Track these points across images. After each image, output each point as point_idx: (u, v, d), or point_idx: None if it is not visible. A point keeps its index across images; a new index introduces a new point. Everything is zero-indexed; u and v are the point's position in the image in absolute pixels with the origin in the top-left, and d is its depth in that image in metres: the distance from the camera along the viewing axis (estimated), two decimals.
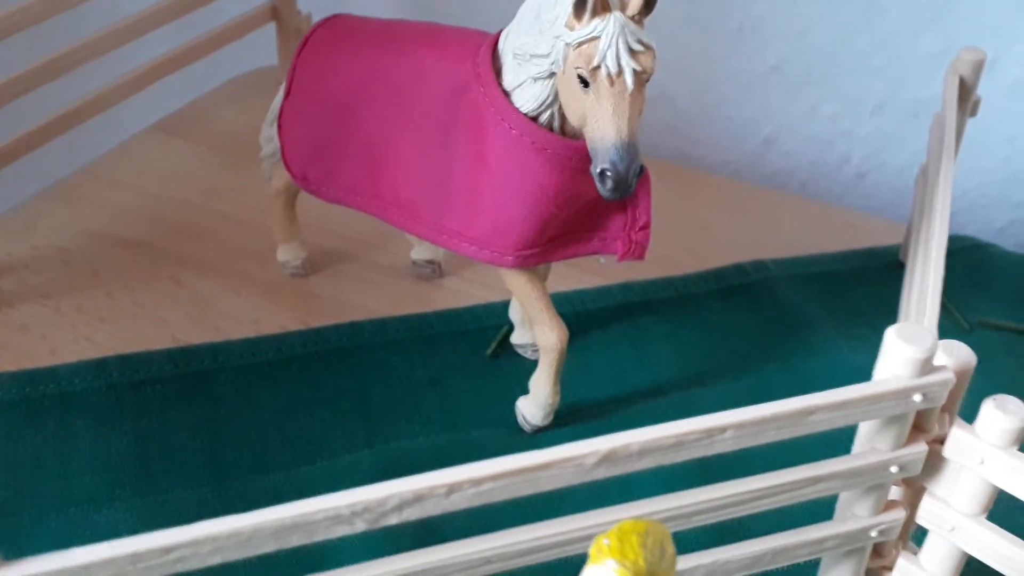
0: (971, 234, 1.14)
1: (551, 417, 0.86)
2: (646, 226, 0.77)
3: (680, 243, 1.11)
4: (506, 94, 0.73)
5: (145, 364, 0.88)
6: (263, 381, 0.89)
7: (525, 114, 0.72)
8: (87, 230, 1.05)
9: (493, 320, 0.98)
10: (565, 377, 0.84)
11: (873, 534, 0.64)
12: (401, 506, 0.52)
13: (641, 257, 0.78)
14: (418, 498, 0.52)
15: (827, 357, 0.96)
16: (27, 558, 0.48)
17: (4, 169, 0.99)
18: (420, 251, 1.02)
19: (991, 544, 0.61)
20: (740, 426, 0.55)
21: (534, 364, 0.85)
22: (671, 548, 0.43)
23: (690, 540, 0.63)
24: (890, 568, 0.68)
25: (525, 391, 0.86)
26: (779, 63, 1.24)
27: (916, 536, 0.69)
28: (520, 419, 0.86)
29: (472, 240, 0.78)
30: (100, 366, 0.87)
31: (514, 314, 0.95)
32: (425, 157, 0.79)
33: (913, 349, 0.56)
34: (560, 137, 0.72)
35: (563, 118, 0.72)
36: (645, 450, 0.54)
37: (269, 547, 0.51)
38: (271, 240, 1.01)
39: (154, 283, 0.99)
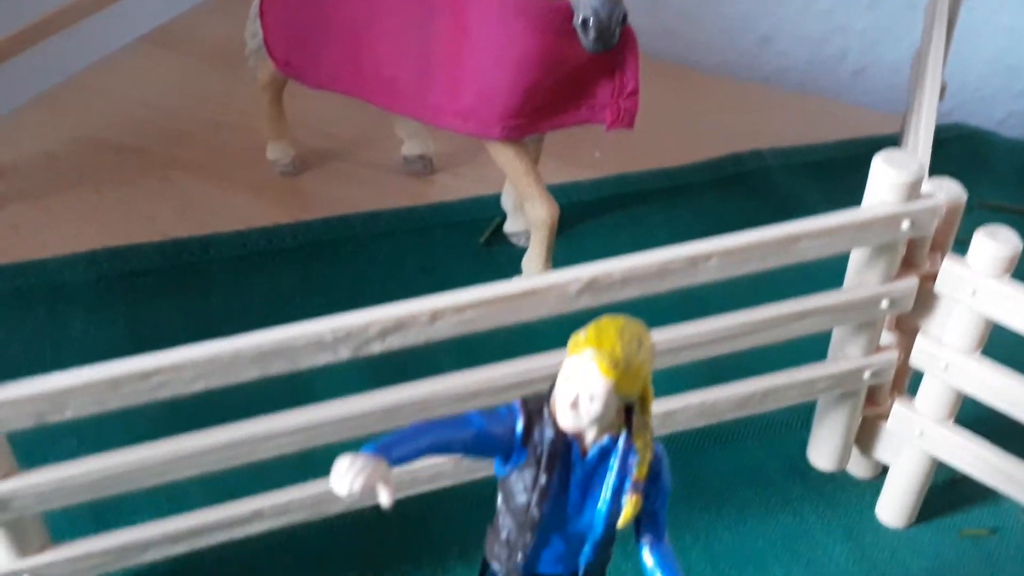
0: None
1: None
2: (634, 92, 0.76)
3: (677, 138, 1.10)
4: None
5: (135, 256, 0.88)
6: (254, 272, 0.89)
7: None
8: (74, 136, 1.04)
9: (486, 212, 0.97)
10: (560, 261, 0.84)
11: (865, 376, 0.63)
12: (384, 333, 0.51)
13: (630, 125, 0.77)
14: (400, 325, 0.51)
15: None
16: (9, 382, 0.48)
17: None
18: (410, 146, 1.01)
19: (985, 379, 0.61)
20: (725, 253, 0.54)
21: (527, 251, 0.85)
22: (649, 341, 0.43)
23: (684, 377, 0.63)
24: (885, 416, 0.67)
25: (519, 275, 0.85)
26: None
27: (913, 387, 0.68)
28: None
29: (457, 113, 0.77)
30: (90, 258, 0.87)
31: (506, 202, 0.94)
32: (406, 32, 0.78)
33: (899, 173, 0.56)
34: None
35: None
36: (628, 278, 0.54)
37: (251, 373, 0.50)
38: (260, 143, 1.01)
39: (143, 183, 0.98)
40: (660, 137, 1.10)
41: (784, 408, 0.76)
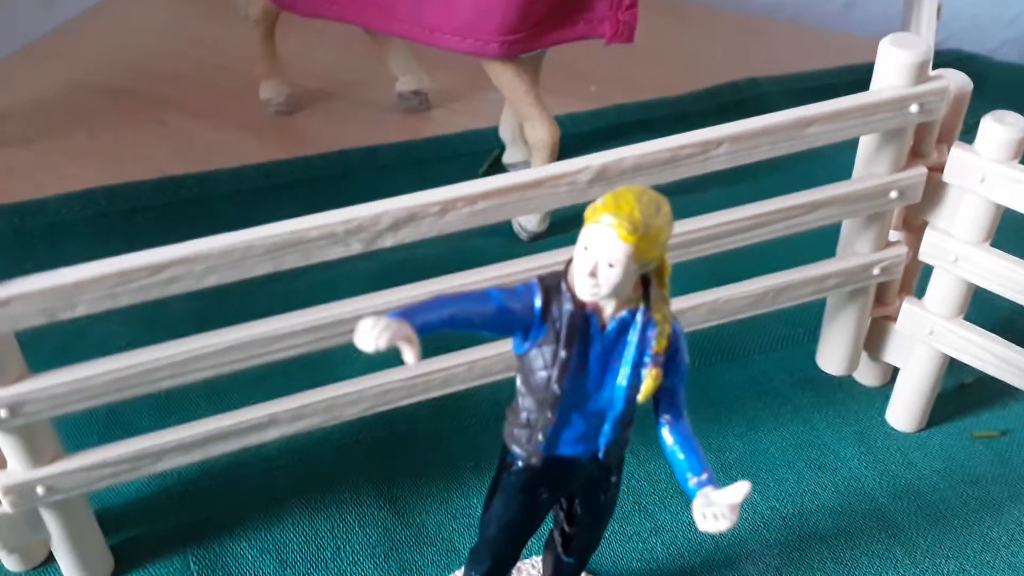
0: None
1: (547, 223, 0.85)
2: (633, 5, 0.76)
3: (672, 70, 1.09)
4: None
5: (133, 193, 0.87)
6: (253, 208, 0.88)
7: None
8: (67, 81, 1.03)
9: (484, 145, 0.96)
10: None
11: (875, 272, 0.63)
12: (396, 225, 0.51)
13: (630, 39, 0.77)
14: (412, 216, 0.51)
15: (823, 160, 0.94)
16: (18, 279, 0.47)
17: None
18: (405, 83, 1.01)
19: (994, 269, 0.60)
20: (735, 139, 0.54)
21: None
22: (667, 207, 0.42)
23: (696, 283, 0.63)
24: (894, 317, 0.67)
25: None
26: None
27: (920, 292, 0.68)
28: (516, 227, 0.85)
29: (454, 31, 0.76)
30: (88, 196, 0.86)
31: (504, 133, 0.93)
32: None
33: (907, 54, 0.55)
34: None
35: None
36: (639, 166, 0.53)
37: (264, 268, 0.50)
38: (254, 83, 1.00)
39: (137, 124, 0.98)
40: (655, 70, 1.10)
41: (790, 321, 0.76)
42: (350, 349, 0.54)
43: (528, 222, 0.84)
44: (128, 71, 1.05)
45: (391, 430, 0.68)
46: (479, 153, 0.96)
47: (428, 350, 0.57)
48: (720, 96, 1.03)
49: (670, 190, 0.89)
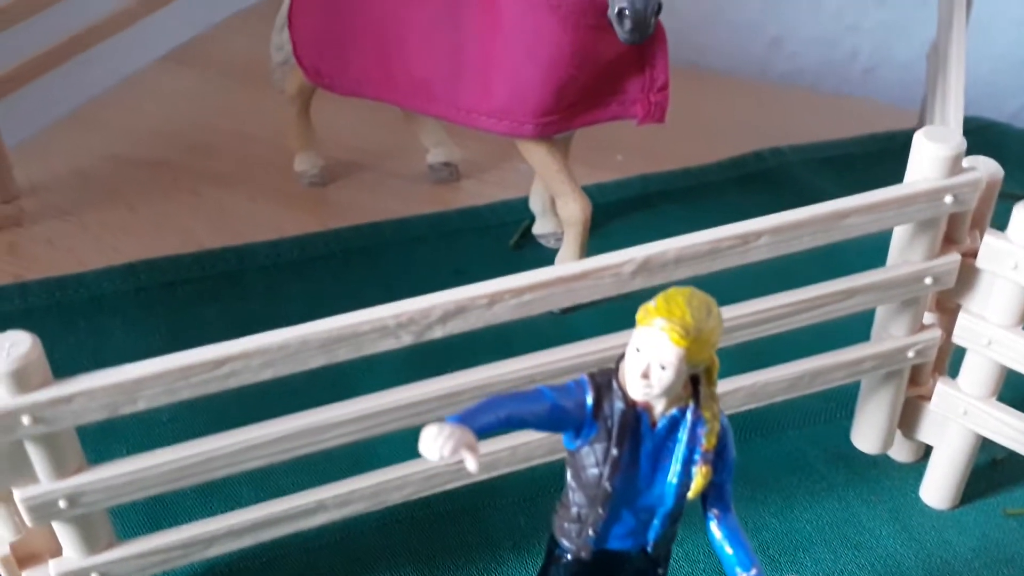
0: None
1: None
2: (664, 87, 0.77)
3: (696, 139, 1.11)
4: None
5: (173, 267, 0.89)
6: (289, 279, 0.90)
7: None
8: (104, 153, 1.06)
9: (514, 216, 0.98)
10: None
11: (910, 355, 0.64)
12: (445, 317, 0.52)
13: (661, 119, 0.78)
14: (461, 309, 0.52)
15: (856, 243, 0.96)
16: (81, 375, 0.49)
17: (20, 99, 0.99)
18: (436, 154, 1.03)
19: None
20: (775, 231, 0.55)
21: (557, 252, 0.85)
22: (717, 310, 0.44)
23: (731, 365, 0.63)
24: (928, 397, 0.68)
25: None
26: None
27: (953, 371, 0.69)
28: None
29: (490, 113, 0.78)
30: (128, 270, 0.88)
31: (535, 204, 0.95)
32: (436, 33, 0.79)
33: (940, 147, 0.57)
34: None
35: None
36: (681, 258, 0.54)
37: (318, 361, 0.51)
38: (288, 155, 1.02)
39: (175, 196, 1.00)
40: (679, 139, 1.11)
41: (825, 397, 0.77)
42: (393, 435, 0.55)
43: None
44: (164, 142, 1.08)
45: (430, 510, 0.69)
46: (509, 224, 0.97)
47: None
48: (744, 166, 1.05)
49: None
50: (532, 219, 0.96)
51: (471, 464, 0.40)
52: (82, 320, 0.84)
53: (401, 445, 0.55)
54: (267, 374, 0.50)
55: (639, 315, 0.44)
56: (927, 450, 0.71)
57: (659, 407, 0.45)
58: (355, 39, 0.84)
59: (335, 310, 0.54)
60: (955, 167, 0.57)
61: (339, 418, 0.54)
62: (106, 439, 0.70)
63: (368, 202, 1.00)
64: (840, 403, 0.76)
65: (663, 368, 0.43)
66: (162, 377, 0.48)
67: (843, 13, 1.25)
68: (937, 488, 0.70)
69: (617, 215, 1.00)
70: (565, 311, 0.86)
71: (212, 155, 1.06)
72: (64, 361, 0.80)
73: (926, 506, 0.71)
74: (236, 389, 0.67)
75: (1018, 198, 1.01)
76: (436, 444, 0.40)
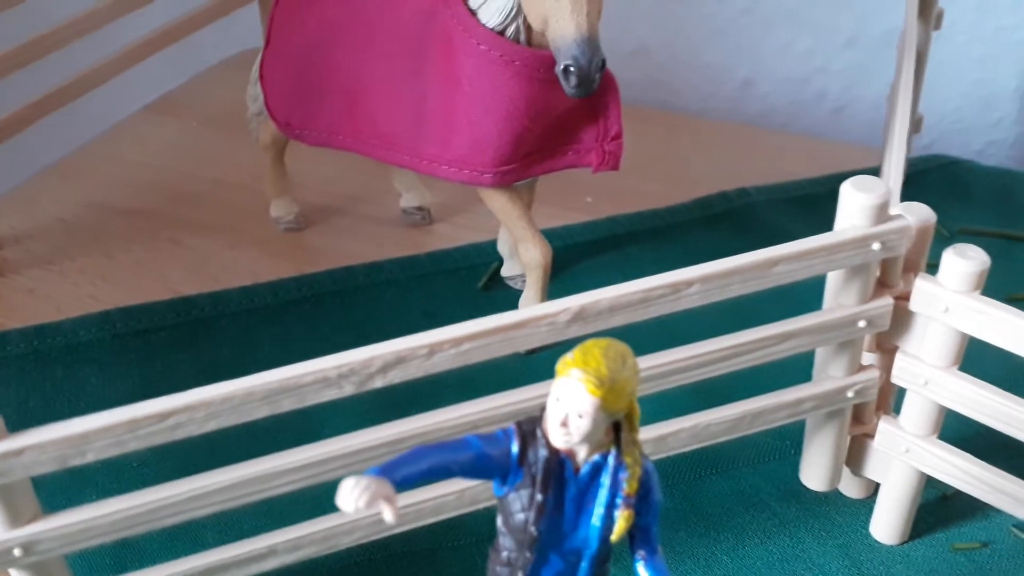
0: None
1: None
2: (618, 136, 0.80)
3: (665, 180, 1.14)
4: (472, 12, 0.76)
5: (147, 314, 0.91)
6: (262, 324, 0.92)
7: (492, 29, 0.75)
8: (86, 201, 1.09)
9: (483, 258, 1.00)
10: (556, 299, 0.87)
11: (849, 395, 0.66)
12: (385, 368, 0.54)
13: (615, 167, 0.81)
14: (400, 359, 0.54)
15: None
16: (30, 430, 0.51)
17: (5, 150, 1.02)
18: (408, 199, 1.05)
19: (963, 392, 0.63)
20: (705, 279, 0.57)
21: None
22: (632, 360, 0.46)
23: (676, 405, 0.65)
24: (872, 435, 0.70)
25: None
26: (750, 4, 1.26)
27: (898, 408, 0.71)
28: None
29: (450, 162, 0.81)
30: (104, 318, 0.90)
31: (503, 247, 0.97)
32: (400, 87, 0.82)
33: (866, 196, 0.59)
34: (527, 48, 0.75)
35: (529, 30, 0.75)
36: (615, 306, 0.57)
37: (261, 412, 0.53)
38: (265, 201, 1.05)
39: (153, 244, 1.02)
40: (649, 180, 1.14)
41: (778, 434, 0.79)
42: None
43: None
44: (145, 191, 1.11)
45: (387, 551, 0.70)
46: (479, 266, 0.99)
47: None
48: (710, 207, 1.07)
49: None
50: (501, 261, 0.98)
51: (387, 515, 0.42)
52: (59, 368, 0.87)
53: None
54: (211, 425, 0.52)
55: (558, 366, 0.46)
56: (876, 486, 0.73)
57: (582, 453, 0.47)
58: (323, 93, 0.87)
59: (306, 354, 0.57)
60: (882, 215, 0.59)
61: (290, 464, 0.56)
62: (76, 484, 0.72)
63: (343, 246, 1.03)
64: (793, 440, 0.78)
65: (580, 417, 0.45)
66: (110, 430, 0.50)
67: (812, 54, 1.28)
68: (886, 524, 0.72)
69: (585, 256, 1.02)
70: (531, 352, 0.88)
71: (192, 203, 1.09)
72: (40, 408, 0.84)
73: (876, 541, 0.72)
74: (207, 434, 0.70)
75: (980, 234, 1.05)
76: (352, 496, 0.42)
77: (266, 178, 1.02)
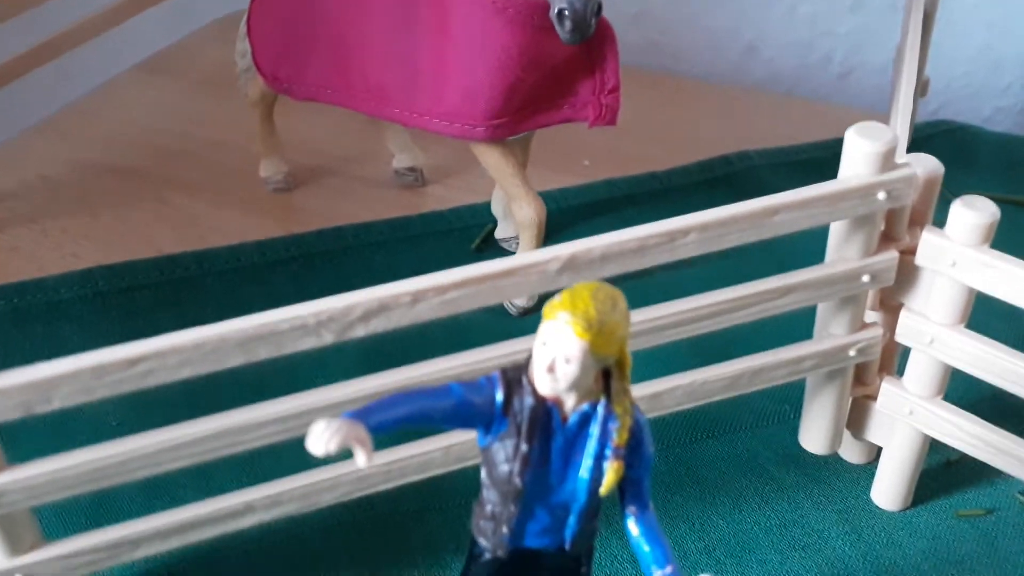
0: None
1: (536, 299, 0.86)
2: (615, 89, 0.77)
3: (666, 144, 1.11)
4: None
5: (131, 272, 0.89)
6: (248, 284, 0.90)
7: None
8: (72, 160, 1.06)
9: (477, 220, 0.98)
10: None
11: (851, 353, 0.63)
12: (367, 316, 0.52)
13: (612, 122, 0.78)
14: (383, 307, 0.52)
15: (810, 236, 0.95)
16: None
17: None
18: (401, 159, 1.03)
19: (970, 351, 0.61)
20: (703, 227, 0.55)
21: None
22: (623, 303, 0.43)
23: (672, 363, 0.63)
24: (874, 397, 0.67)
25: None
26: None
27: (901, 370, 0.68)
28: (506, 302, 0.86)
29: (442, 115, 0.78)
30: (86, 276, 0.88)
31: (496, 208, 0.95)
32: (391, 39, 0.80)
33: (871, 144, 0.56)
34: None
35: None
36: (608, 255, 0.54)
37: (237, 360, 0.51)
38: (254, 162, 1.02)
39: (139, 204, 1.00)
40: (649, 144, 1.11)
41: (777, 398, 0.76)
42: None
43: (518, 298, 0.85)
44: (132, 150, 1.08)
45: (373, 512, 0.68)
46: (473, 228, 0.97)
47: (405, 435, 0.59)
48: (710, 170, 1.04)
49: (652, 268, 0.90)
50: (495, 223, 0.96)
51: (360, 459, 0.40)
52: (39, 325, 0.84)
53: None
54: (184, 372, 0.50)
55: (545, 309, 0.43)
56: (878, 451, 0.71)
57: (569, 402, 0.45)
58: (312, 45, 0.84)
59: None
60: (888, 163, 0.57)
61: (267, 416, 0.54)
62: (57, 442, 0.70)
63: (333, 207, 1.00)
64: (792, 404, 0.75)
65: (568, 362, 0.43)
66: (76, 376, 0.48)
67: (817, 19, 1.25)
68: (888, 489, 0.69)
69: (581, 219, 0.99)
70: (523, 313, 0.86)
71: (180, 162, 1.06)
72: (20, 366, 0.81)
73: (877, 508, 0.70)
74: (187, 391, 0.68)
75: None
76: (323, 438, 0.40)
77: (256, 136, 0.99)
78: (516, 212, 0.82)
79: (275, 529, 0.66)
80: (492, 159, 0.80)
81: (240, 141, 1.07)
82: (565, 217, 0.98)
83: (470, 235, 0.96)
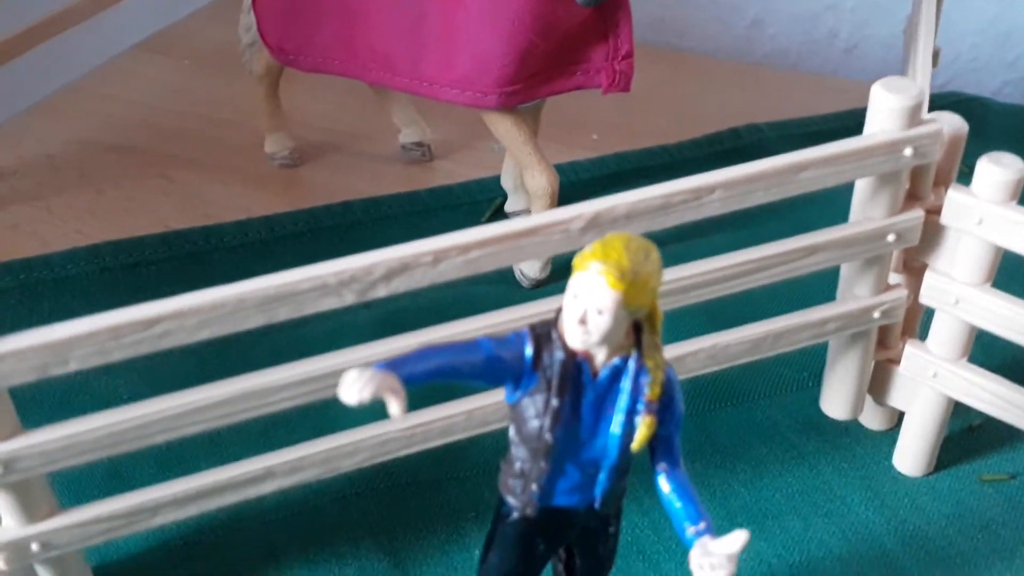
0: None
1: (548, 269, 0.85)
2: (629, 55, 0.76)
3: (674, 119, 1.10)
4: None
5: (138, 248, 0.88)
6: (256, 259, 0.88)
7: None
8: (74, 139, 1.05)
9: (486, 194, 0.97)
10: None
11: (875, 315, 0.62)
12: (389, 275, 0.51)
13: (626, 88, 0.77)
14: (405, 266, 0.51)
15: (824, 205, 0.94)
16: (9, 335, 0.47)
17: None
18: (408, 134, 1.01)
19: (996, 311, 0.60)
20: (728, 185, 0.54)
21: None
22: (656, 254, 0.42)
23: (696, 326, 0.62)
24: (897, 360, 0.66)
25: None
26: None
27: (923, 334, 0.67)
28: (518, 274, 0.85)
29: (452, 83, 0.77)
30: (93, 252, 0.87)
31: (506, 182, 0.94)
32: (398, 5, 0.78)
33: (898, 98, 0.55)
34: None
35: None
36: (632, 212, 0.53)
37: (257, 320, 0.50)
38: (259, 138, 1.01)
39: (143, 180, 0.99)
40: (657, 119, 1.10)
41: (796, 366, 0.76)
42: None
43: (530, 269, 0.84)
44: (136, 128, 1.07)
45: (391, 481, 0.67)
46: (481, 202, 0.96)
47: (427, 399, 0.58)
48: (720, 143, 1.03)
49: (672, 237, 0.89)
50: (504, 197, 0.95)
51: (394, 408, 0.39)
52: (46, 302, 0.83)
53: (361, 413, 0.54)
54: (203, 334, 0.49)
55: (575, 260, 0.42)
56: (900, 418, 0.70)
57: (600, 356, 0.44)
58: (317, 15, 0.83)
59: None
60: (914, 119, 0.56)
61: (284, 380, 0.53)
62: (65, 417, 0.69)
63: (339, 183, 0.99)
64: (811, 372, 0.75)
65: (600, 313, 0.42)
66: (92, 336, 0.47)
67: None
68: (910, 455, 0.69)
69: (591, 194, 0.95)
70: (535, 285, 0.85)
71: (184, 140, 1.05)
72: None
73: (899, 473, 0.69)
74: (199, 366, 0.67)
75: None
76: (355, 388, 0.38)
77: (261, 111, 0.98)
78: (529, 181, 0.81)
79: (292, 499, 0.66)
80: (504, 127, 0.79)
81: (243, 119, 1.06)
82: (576, 190, 0.97)
83: (479, 210, 0.95)
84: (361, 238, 0.91)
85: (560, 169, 0.98)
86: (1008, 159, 0.58)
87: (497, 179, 0.96)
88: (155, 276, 0.86)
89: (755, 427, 0.73)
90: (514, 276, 0.86)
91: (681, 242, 0.89)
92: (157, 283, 0.85)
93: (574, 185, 0.98)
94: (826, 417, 0.71)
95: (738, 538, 0.44)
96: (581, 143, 1.06)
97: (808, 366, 0.75)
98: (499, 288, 0.85)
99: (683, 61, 1.24)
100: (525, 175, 0.81)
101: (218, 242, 0.89)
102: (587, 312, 0.42)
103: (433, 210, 0.95)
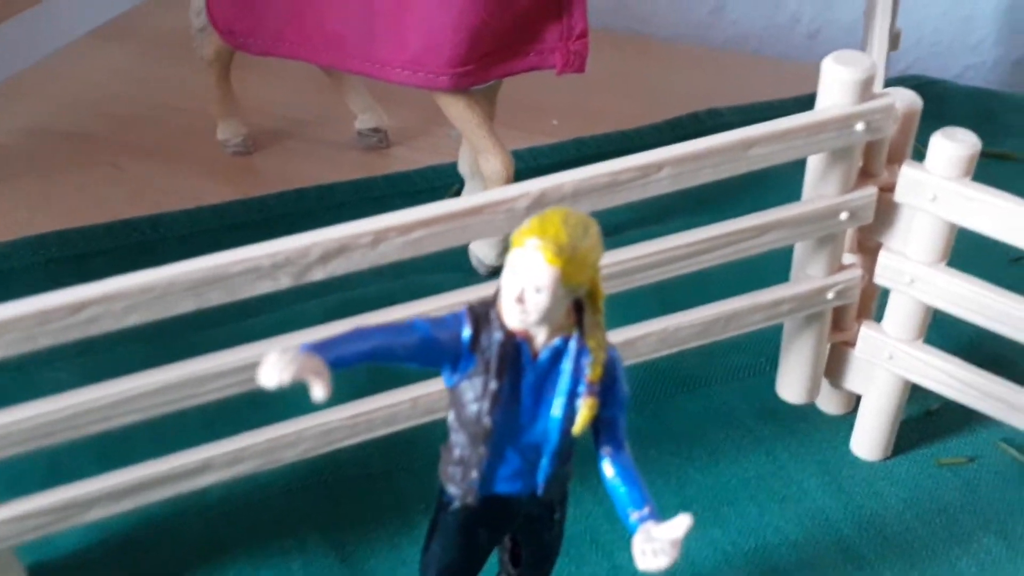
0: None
1: (505, 255, 0.83)
2: (583, 34, 0.75)
3: (635, 104, 1.09)
4: None
5: (84, 238, 0.86)
6: (206, 249, 0.83)
7: None
8: (23, 127, 1.03)
9: (443, 180, 0.95)
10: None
11: (829, 296, 0.62)
12: (325, 257, 0.49)
13: (581, 69, 0.76)
14: (342, 248, 0.49)
15: (785, 192, 0.93)
16: None
17: None
18: (364, 120, 1.00)
19: (951, 289, 0.59)
20: (677, 162, 0.53)
21: None
22: (595, 229, 0.41)
23: (645, 311, 0.61)
24: (853, 343, 0.65)
25: None
26: None
27: (879, 316, 0.67)
28: (474, 261, 0.84)
29: (404, 64, 0.75)
30: (38, 242, 0.85)
31: (463, 168, 0.92)
32: None
33: (850, 71, 0.54)
34: None
35: None
36: (579, 190, 0.52)
37: (188, 305, 0.48)
38: (211, 126, 0.99)
39: (93, 169, 0.96)
40: (617, 104, 1.09)
41: (752, 351, 0.75)
42: (298, 390, 0.52)
43: (486, 256, 0.83)
44: (85, 116, 1.05)
45: (341, 473, 0.66)
46: (439, 189, 0.94)
47: (370, 387, 0.56)
48: (681, 128, 1.02)
49: (627, 223, 0.88)
50: (462, 183, 0.93)
51: (316, 392, 0.38)
52: None
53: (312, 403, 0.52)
54: (132, 319, 0.47)
55: (513, 236, 0.41)
56: (857, 402, 0.69)
57: (540, 337, 0.42)
58: None
59: None
60: (867, 93, 0.55)
61: (221, 367, 0.51)
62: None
63: (293, 170, 0.97)
64: (768, 357, 0.74)
65: (538, 291, 0.40)
66: (17, 322, 0.45)
67: None
68: (867, 439, 0.68)
69: None
70: (492, 272, 0.84)
71: (135, 128, 1.03)
72: None
73: (856, 458, 0.69)
74: (146, 356, 0.65)
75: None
76: (275, 369, 0.37)
77: (212, 98, 0.96)
78: (483, 165, 0.79)
79: (237, 493, 0.64)
80: (457, 110, 0.78)
81: (196, 106, 1.04)
82: (535, 176, 0.95)
83: (436, 196, 0.91)
84: (314, 226, 0.88)
85: (519, 155, 0.97)
86: (962, 134, 0.57)
87: (454, 165, 0.94)
88: (102, 267, 0.81)
89: (712, 413, 0.72)
90: (470, 264, 0.84)
91: (637, 228, 0.88)
92: (104, 274, 0.82)
93: (533, 171, 0.94)
94: (783, 402, 0.70)
95: (681, 523, 0.42)
96: (541, 129, 1.05)
97: (765, 351, 0.74)
98: (455, 276, 0.84)
99: (645, 46, 1.23)
100: (479, 159, 0.79)
101: (167, 231, 0.87)
102: (524, 290, 0.40)
103: (389, 197, 0.93)
